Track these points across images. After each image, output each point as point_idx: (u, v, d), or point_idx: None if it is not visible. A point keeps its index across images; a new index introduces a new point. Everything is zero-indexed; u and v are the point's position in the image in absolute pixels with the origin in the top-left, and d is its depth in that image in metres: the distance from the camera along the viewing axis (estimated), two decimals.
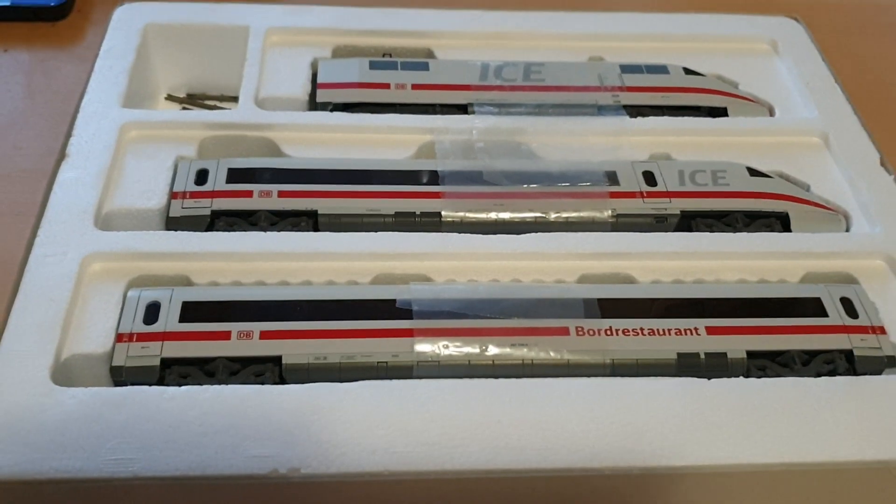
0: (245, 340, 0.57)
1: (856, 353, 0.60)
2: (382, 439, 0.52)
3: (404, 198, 0.67)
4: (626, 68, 0.79)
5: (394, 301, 0.59)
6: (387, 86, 0.76)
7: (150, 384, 0.55)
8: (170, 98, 0.84)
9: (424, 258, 0.63)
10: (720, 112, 0.77)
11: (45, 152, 0.71)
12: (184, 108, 0.83)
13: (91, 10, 0.92)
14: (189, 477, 0.50)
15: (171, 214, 0.65)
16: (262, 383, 0.56)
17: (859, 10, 0.98)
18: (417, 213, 0.66)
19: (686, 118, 0.76)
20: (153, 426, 0.52)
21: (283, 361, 0.57)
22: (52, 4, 0.90)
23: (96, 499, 0.51)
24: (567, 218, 0.67)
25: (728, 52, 0.83)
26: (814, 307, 0.62)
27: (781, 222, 0.69)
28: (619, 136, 0.74)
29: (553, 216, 0.67)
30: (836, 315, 0.61)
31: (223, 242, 0.63)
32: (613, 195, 0.68)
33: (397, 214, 0.66)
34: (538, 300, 0.60)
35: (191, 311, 0.58)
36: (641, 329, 0.60)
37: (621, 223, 0.67)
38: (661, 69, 0.80)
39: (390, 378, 0.56)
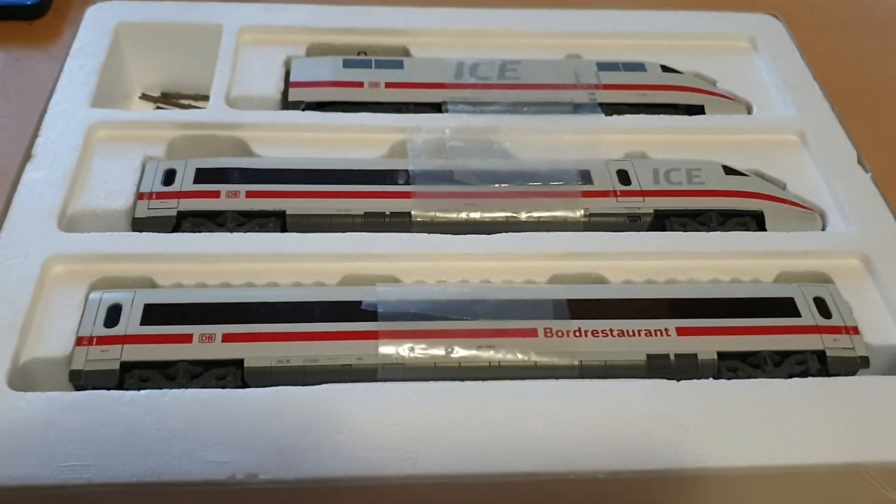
0: (207, 343, 0.56)
1: (828, 353, 0.59)
2: (343, 444, 0.51)
3: (374, 198, 0.66)
4: (603, 66, 0.79)
5: (359, 303, 0.58)
6: (360, 84, 0.75)
7: (110, 388, 0.54)
8: (144, 97, 0.83)
9: (393, 259, 0.63)
10: (697, 110, 0.77)
11: (14, 152, 0.70)
12: (158, 108, 0.82)
13: (68, 10, 0.91)
14: (145, 483, 0.49)
15: (136, 215, 0.64)
16: (224, 387, 0.55)
17: (839, 7, 0.97)
18: (387, 213, 0.65)
19: (662, 116, 0.75)
20: (110, 431, 0.51)
21: (246, 365, 0.56)
22: (29, 3, 0.89)
23: None
24: (539, 217, 0.66)
25: (707, 49, 0.83)
26: (787, 307, 0.61)
27: (756, 221, 0.68)
28: (595, 134, 0.73)
29: (524, 216, 0.66)
30: (809, 315, 0.61)
31: (188, 244, 0.62)
32: (586, 194, 0.67)
33: (367, 214, 0.65)
34: (506, 301, 0.60)
35: (152, 314, 0.57)
36: (611, 330, 0.59)
37: (594, 223, 0.67)
38: (639, 66, 0.79)
39: (354, 381, 0.55)
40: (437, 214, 0.66)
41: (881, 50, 0.93)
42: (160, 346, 0.56)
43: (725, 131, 0.74)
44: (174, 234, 0.63)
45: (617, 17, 0.84)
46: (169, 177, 0.66)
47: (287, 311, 0.58)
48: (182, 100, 0.83)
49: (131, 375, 0.55)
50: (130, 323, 0.57)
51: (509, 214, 0.66)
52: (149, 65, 0.82)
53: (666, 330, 0.59)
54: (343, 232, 0.63)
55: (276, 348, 0.56)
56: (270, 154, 0.70)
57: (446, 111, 0.74)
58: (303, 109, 0.73)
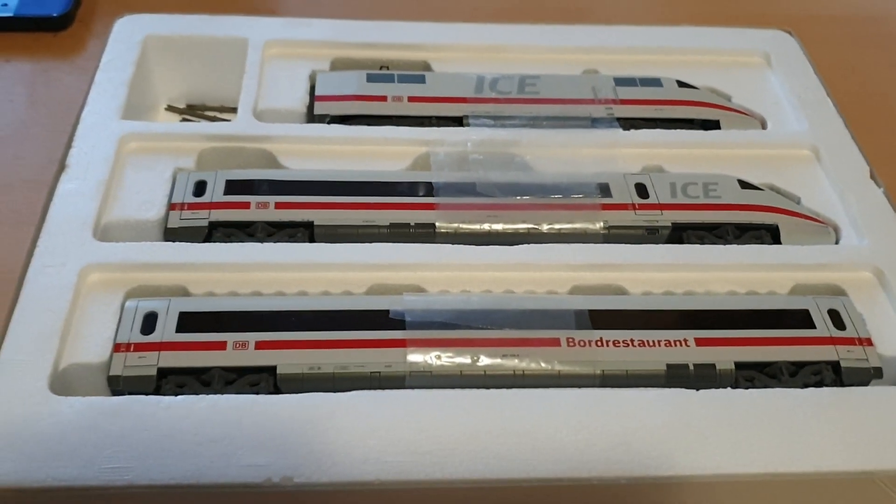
0: (241, 350, 0.58)
1: (842, 364, 0.61)
2: (374, 449, 0.53)
3: (399, 209, 0.68)
4: (620, 81, 0.80)
5: (387, 312, 0.60)
6: (384, 98, 0.77)
7: (147, 393, 0.56)
8: (170, 109, 0.85)
9: (418, 269, 0.64)
10: (713, 125, 0.78)
11: (45, 162, 0.71)
12: (184, 119, 0.84)
13: (93, 21, 0.93)
14: (183, 485, 0.51)
15: (169, 225, 0.66)
16: (257, 393, 0.56)
17: (852, 23, 0.99)
18: (412, 223, 0.67)
19: (679, 131, 0.77)
20: (149, 435, 0.53)
21: (278, 371, 0.57)
22: (55, 15, 0.91)
23: None
24: (560, 229, 0.68)
25: (722, 65, 0.84)
26: (802, 319, 0.63)
27: (771, 234, 0.69)
28: (612, 148, 0.74)
29: (546, 227, 0.68)
30: (824, 327, 0.62)
31: (220, 253, 0.64)
32: (606, 207, 0.69)
33: (392, 225, 0.67)
34: (530, 311, 0.61)
35: (187, 322, 0.59)
36: (631, 340, 0.60)
37: (613, 235, 0.68)
38: (655, 82, 0.80)
39: (383, 388, 0.57)
40: (461, 226, 0.67)
41: (894, 65, 0.94)
42: (195, 352, 0.58)
43: (740, 146, 0.76)
44: (206, 244, 0.64)
45: (633, 33, 0.86)
46: (200, 188, 0.68)
47: (318, 320, 0.60)
48: (207, 111, 0.84)
49: (167, 381, 0.57)
50: (166, 330, 0.58)
51: (531, 226, 0.68)
52: (175, 77, 0.83)
53: (685, 340, 0.61)
54: (369, 242, 0.65)
55: (307, 356, 0.58)
56: (297, 166, 0.71)
57: (468, 125, 0.76)
58: (328, 122, 0.75)
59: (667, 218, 0.69)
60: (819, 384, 0.60)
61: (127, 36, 0.80)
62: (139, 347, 0.58)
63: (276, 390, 0.57)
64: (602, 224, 0.68)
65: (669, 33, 0.86)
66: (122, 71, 0.77)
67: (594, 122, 0.77)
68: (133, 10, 0.84)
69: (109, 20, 0.83)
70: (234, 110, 0.76)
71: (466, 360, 0.59)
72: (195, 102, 0.85)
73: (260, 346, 0.58)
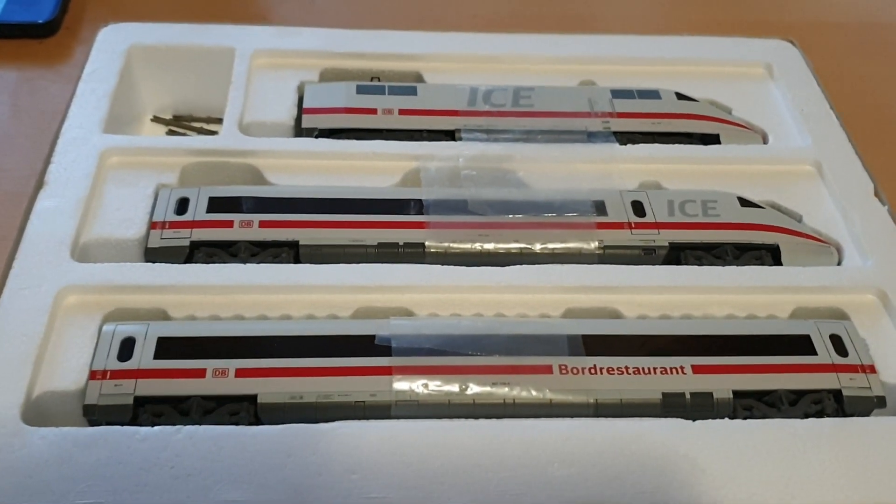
0: (220, 378, 0.56)
1: (845, 393, 0.59)
2: (357, 483, 0.51)
3: (387, 228, 0.66)
4: (617, 93, 0.78)
5: (373, 337, 0.58)
6: (374, 111, 0.75)
7: (124, 423, 0.54)
8: (156, 120, 0.83)
9: (407, 291, 0.62)
10: (713, 139, 0.76)
11: (28, 174, 0.69)
12: (170, 130, 0.82)
13: (79, 28, 0.91)
14: None
15: (149, 245, 0.64)
16: (237, 423, 0.54)
17: (856, 32, 0.96)
18: (401, 243, 0.65)
19: (677, 146, 0.75)
20: (124, 468, 0.51)
21: (259, 400, 0.55)
22: (41, 22, 0.89)
23: None
24: (553, 249, 0.66)
25: (722, 76, 0.82)
26: (803, 345, 0.61)
27: (772, 254, 0.67)
28: (609, 163, 0.72)
29: (539, 247, 0.66)
30: (826, 353, 0.60)
31: (201, 275, 0.62)
32: (601, 226, 0.67)
33: (380, 245, 0.65)
34: (521, 337, 0.59)
35: (166, 348, 0.57)
36: (626, 368, 0.58)
37: (608, 255, 0.66)
38: (653, 94, 0.78)
39: (368, 418, 0.55)
40: (451, 245, 0.65)
41: None
42: (173, 380, 0.56)
43: (741, 161, 0.74)
44: (187, 265, 0.63)
45: (631, 43, 0.84)
46: (182, 205, 0.66)
47: (300, 346, 0.58)
48: (194, 122, 0.82)
49: (145, 410, 0.55)
50: (144, 357, 0.56)
51: (523, 246, 0.66)
52: (160, 87, 0.81)
53: (682, 368, 0.59)
54: (356, 262, 0.63)
55: (289, 384, 0.56)
56: (283, 181, 0.69)
57: (460, 139, 0.74)
58: (316, 136, 0.73)
59: (664, 237, 0.67)
60: (820, 413, 0.58)
61: (111, 46, 0.78)
62: (115, 375, 0.56)
63: (257, 420, 0.55)
64: (597, 244, 0.66)
65: (668, 43, 0.84)
66: (105, 82, 0.75)
67: (590, 137, 0.75)
68: (122, 17, 0.82)
69: (97, 27, 0.81)
70: (221, 121, 0.74)
71: (455, 388, 0.57)
72: (182, 113, 0.83)
73: (240, 373, 0.56)
